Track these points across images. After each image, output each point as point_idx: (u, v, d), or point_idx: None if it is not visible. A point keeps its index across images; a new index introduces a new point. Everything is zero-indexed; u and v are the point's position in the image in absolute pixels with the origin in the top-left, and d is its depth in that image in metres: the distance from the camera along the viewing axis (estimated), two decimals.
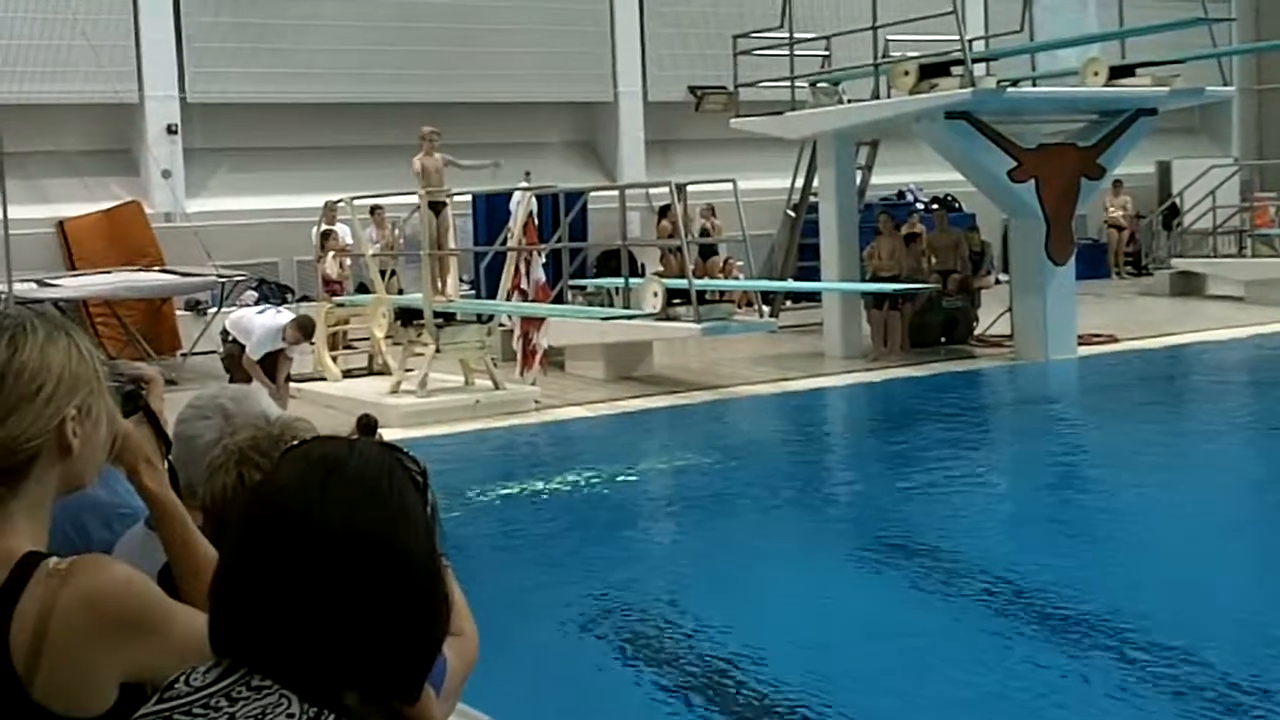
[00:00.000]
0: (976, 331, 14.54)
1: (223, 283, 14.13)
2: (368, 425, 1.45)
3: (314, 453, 1.34)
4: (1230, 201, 19.25)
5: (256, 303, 13.67)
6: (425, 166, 11.53)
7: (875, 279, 14.17)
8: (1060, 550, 7.00)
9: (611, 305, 13.09)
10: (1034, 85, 14.39)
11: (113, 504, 2.29)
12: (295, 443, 1.45)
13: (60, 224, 15.72)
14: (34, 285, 13.17)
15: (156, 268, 14.86)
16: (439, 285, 11.60)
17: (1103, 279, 20.23)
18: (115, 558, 1.79)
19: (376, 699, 1.30)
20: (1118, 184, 20.27)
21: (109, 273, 14.32)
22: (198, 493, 2.09)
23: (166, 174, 16.17)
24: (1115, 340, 14.27)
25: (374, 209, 15.13)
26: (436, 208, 11.56)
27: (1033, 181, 12.96)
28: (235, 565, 1.31)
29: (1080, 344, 13.59)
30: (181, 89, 16.86)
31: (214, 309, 14.20)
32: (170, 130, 16.65)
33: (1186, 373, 13.85)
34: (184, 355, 13.86)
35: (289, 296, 15.93)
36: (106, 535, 2.22)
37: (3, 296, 12.16)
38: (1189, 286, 18.64)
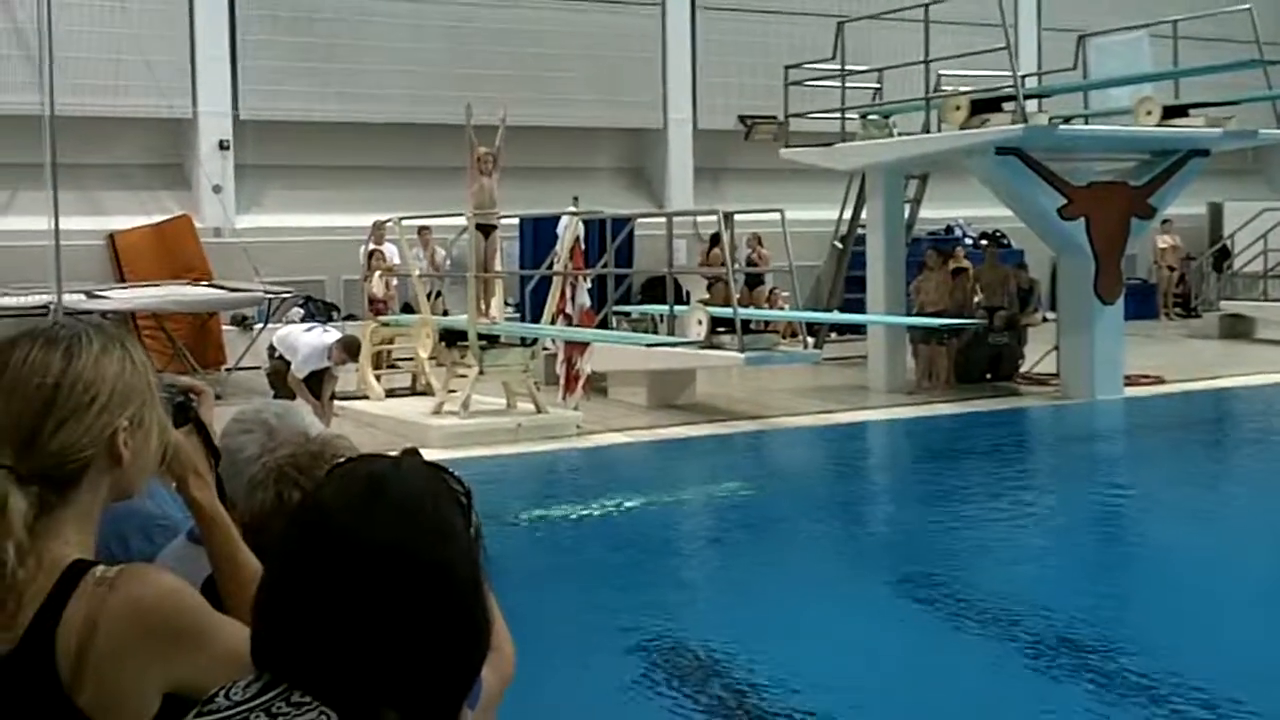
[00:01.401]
0: (1022, 369, 14.40)
1: (269, 299, 14.26)
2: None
3: (359, 471, 1.33)
4: None
5: (303, 320, 13.78)
6: (481, 187, 11.44)
7: (922, 313, 14.08)
8: (1098, 593, 6.92)
9: (656, 332, 13.09)
10: (1086, 123, 14.28)
11: (154, 515, 2.29)
12: (336, 461, 1.44)
13: (111, 236, 15.95)
14: (83, 296, 13.35)
15: (204, 282, 15.03)
16: (484, 307, 11.62)
17: (1151, 319, 20.01)
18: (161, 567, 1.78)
19: (415, 718, 1.29)
20: (1166, 223, 20.07)
21: (157, 286, 14.50)
22: (238, 506, 2.09)
23: (217, 189, 16.39)
24: (1163, 381, 14.09)
25: (421, 229, 15.25)
26: (486, 230, 11.57)
27: (1083, 219, 12.85)
28: (278, 580, 1.31)
29: (1127, 384, 13.42)
30: (235, 105, 17.10)
31: (260, 325, 14.33)
32: (222, 146, 16.88)
33: (1234, 416, 13.66)
34: (229, 370, 13.99)
35: (335, 314, 16.07)
36: (147, 547, 2.22)
37: (52, 306, 12.34)
38: (1238, 329, 18.43)
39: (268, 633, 1.30)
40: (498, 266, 12.06)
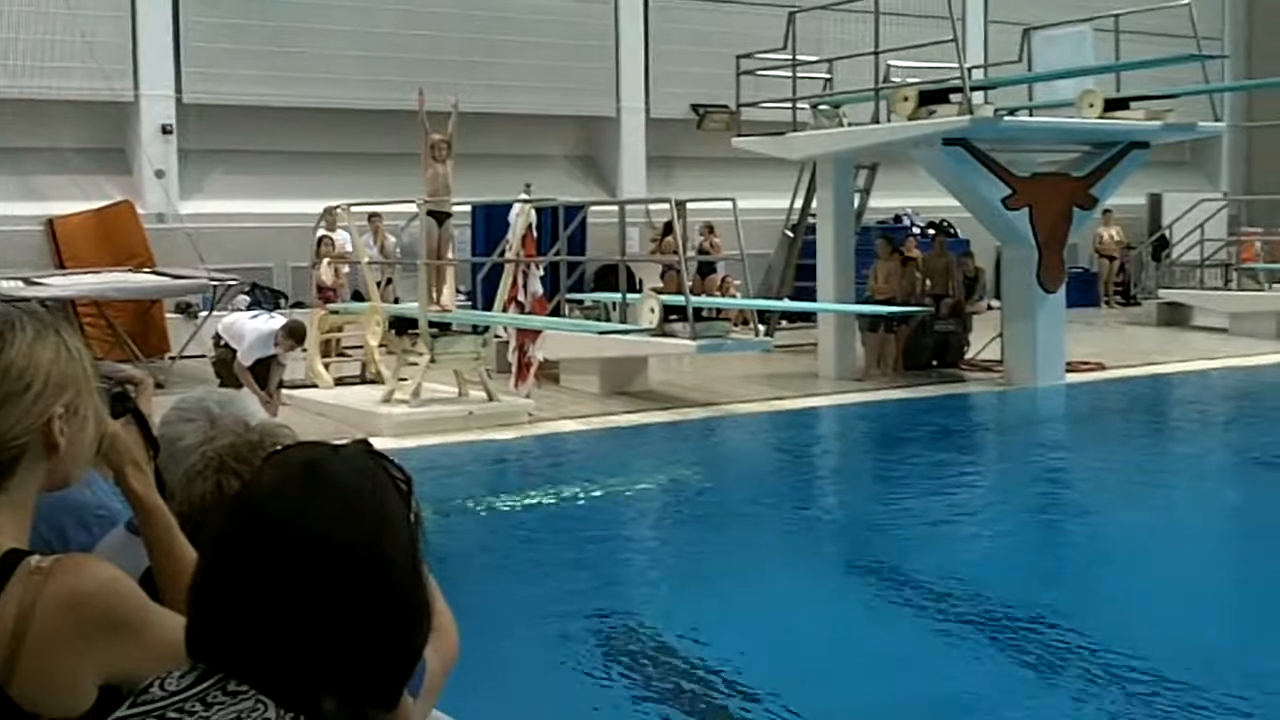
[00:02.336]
0: (968, 356, 14.57)
1: (214, 286, 14.08)
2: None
3: (297, 458, 1.33)
4: (1218, 235, 19.39)
5: (249, 307, 13.64)
6: (435, 174, 11.25)
7: (872, 301, 14.20)
8: (1040, 570, 7.06)
9: (608, 320, 13.09)
10: (1030, 115, 14.45)
11: (91, 505, 2.27)
12: (276, 450, 1.43)
13: (49, 222, 15.65)
14: (20, 283, 13.11)
15: (147, 269, 14.80)
16: (435, 295, 11.55)
17: (1092, 308, 20.33)
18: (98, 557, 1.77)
19: (354, 706, 1.30)
20: (1107, 213, 20.36)
21: (98, 272, 14.26)
22: (176, 496, 2.08)
23: (160, 174, 16.14)
24: (1103, 368, 14.33)
25: (371, 216, 15.13)
26: (439, 217, 11.47)
27: (1026, 210, 13.02)
28: (214, 569, 1.31)
29: (1069, 371, 13.65)
30: (178, 89, 16.84)
31: (205, 312, 14.16)
32: (165, 130, 16.61)
33: (1171, 402, 13.93)
34: (173, 358, 13.81)
35: (282, 302, 15.90)
36: (84, 537, 2.20)
37: None
38: (1176, 317, 18.76)
39: (203, 622, 1.30)
40: (450, 254, 11.99)
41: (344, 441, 1.42)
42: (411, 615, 1.32)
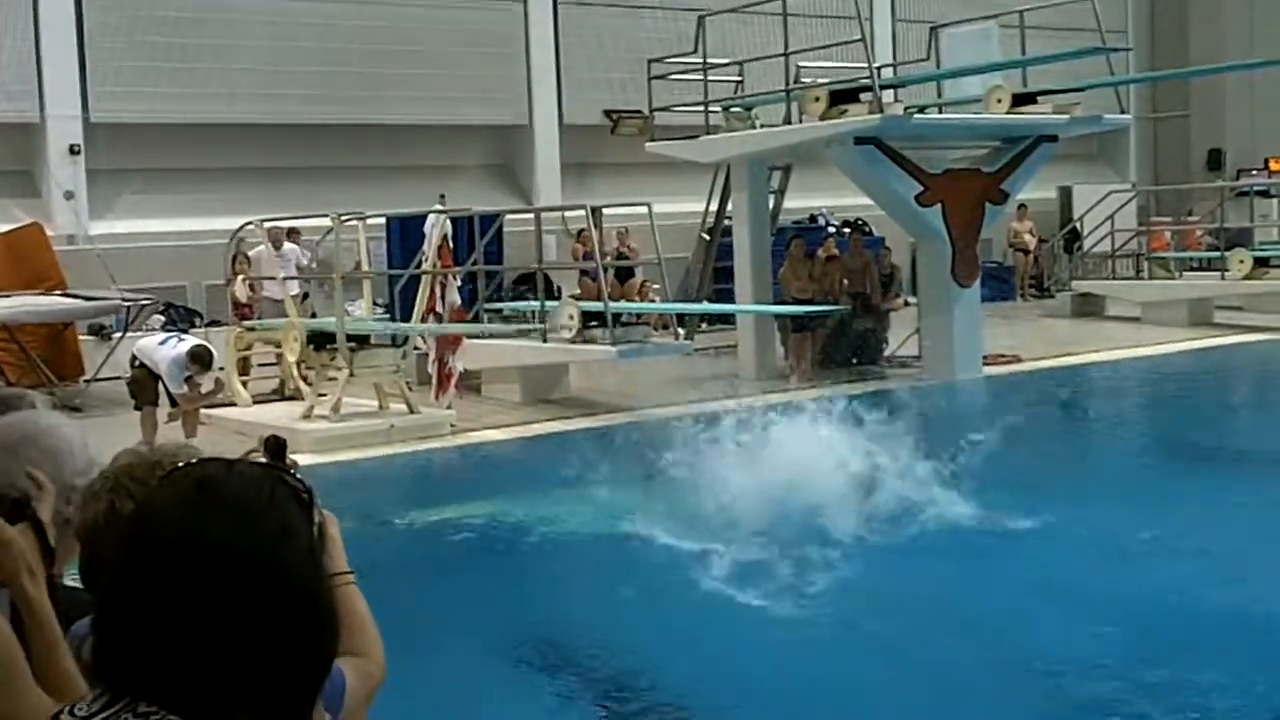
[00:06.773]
0: (886, 352, 14.77)
1: (128, 307, 13.84)
2: (276, 447, 1.44)
3: (192, 474, 1.33)
4: (1128, 225, 19.85)
5: (164, 327, 13.42)
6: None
7: (791, 302, 14.34)
8: (965, 567, 7.15)
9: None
10: (940, 112, 14.70)
11: None
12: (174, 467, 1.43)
13: None
14: None
15: (59, 291, 14.48)
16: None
17: (1008, 301, 20.72)
18: None
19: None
20: (1022, 208, 20.77)
21: (8, 296, 13.92)
22: (72, 520, 2.04)
23: (69, 195, 15.82)
24: (1020, 360, 14.61)
25: (290, 231, 14.98)
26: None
27: (939, 206, 13.23)
28: (115, 591, 1.30)
29: (986, 364, 13.88)
30: (84, 108, 16.52)
31: (119, 334, 13.90)
32: (73, 150, 16.30)
33: (1087, 392, 14.22)
34: (88, 381, 13.54)
35: (197, 320, 15.67)
36: None
37: None
38: (1089, 308, 19.17)
39: (108, 644, 1.29)
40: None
41: (260, 439, 1.41)
42: (316, 625, 1.31)
